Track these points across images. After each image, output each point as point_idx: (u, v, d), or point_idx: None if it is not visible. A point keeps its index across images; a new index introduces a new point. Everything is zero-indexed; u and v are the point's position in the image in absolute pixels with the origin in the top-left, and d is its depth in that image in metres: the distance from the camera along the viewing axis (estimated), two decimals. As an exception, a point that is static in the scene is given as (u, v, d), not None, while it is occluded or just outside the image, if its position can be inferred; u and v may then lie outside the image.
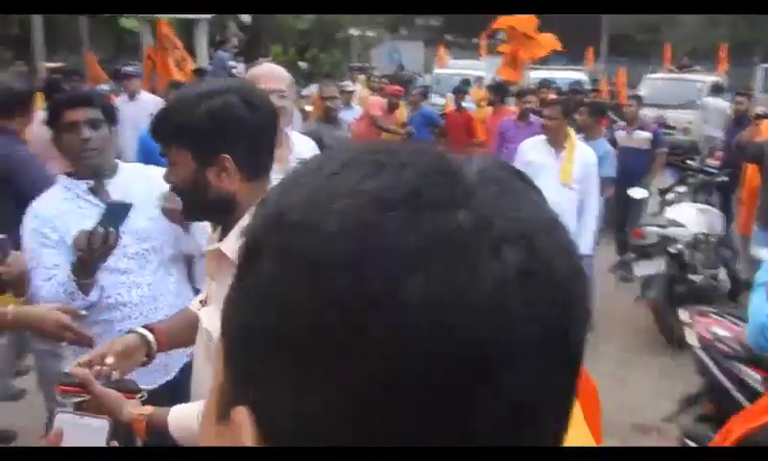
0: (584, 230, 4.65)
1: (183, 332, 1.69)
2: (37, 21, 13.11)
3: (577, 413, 0.86)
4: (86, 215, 2.10)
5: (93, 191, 2.21)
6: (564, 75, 15.09)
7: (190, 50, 10.60)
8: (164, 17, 9.31)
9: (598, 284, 5.48)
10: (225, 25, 16.19)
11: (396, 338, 0.33)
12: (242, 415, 0.37)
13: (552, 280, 0.36)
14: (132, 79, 6.75)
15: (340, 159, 0.39)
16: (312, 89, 9.81)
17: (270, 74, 2.57)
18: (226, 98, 1.44)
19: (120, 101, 6.18)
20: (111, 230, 1.90)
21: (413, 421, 0.34)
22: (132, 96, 6.50)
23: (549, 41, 8.67)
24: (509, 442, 0.35)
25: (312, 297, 0.34)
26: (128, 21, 14.91)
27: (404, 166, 0.37)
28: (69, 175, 2.24)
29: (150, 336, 1.59)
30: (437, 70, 17.13)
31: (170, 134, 1.47)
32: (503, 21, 8.60)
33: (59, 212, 2.14)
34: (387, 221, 0.34)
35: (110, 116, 2.27)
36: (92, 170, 2.21)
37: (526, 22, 8.29)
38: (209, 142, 1.42)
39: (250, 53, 12.76)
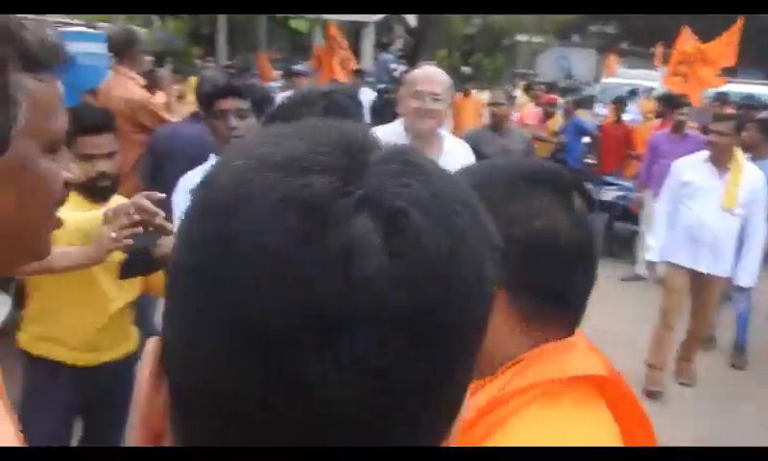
0: (746, 259, 4.21)
1: None
2: (222, 23, 14.43)
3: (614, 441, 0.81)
4: None
5: None
6: (751, 89, 13.72)
7: (356, 52, 11.04)
8: (333, 20, 9.80)
9: (756, 319, 4.96)
10: (391, 28, 16.66)
11: (243, 285, 0.35)
12: (151, 344, 0.42)
13: (420, 257, 0.36)
14: (301, 77, 7.22)
15: (277, 132, 0.42)
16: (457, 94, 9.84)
17: (426, 77, 2.67)
18: (334, 95, 1.52)
19: (284, 97, 6.62)
20: None
21: (253, 366, 0.35)
22: None
23: (715, 79, 7.77)
24: (360, 412, 0.36)
25: (191, 237, 0.38)
26: (297, 22, 15.88)
27: (304, 139, 0.39)
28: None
29: None
30: (604, 79, 16.35)
31: None
32: (682, 43, 7.89)
33: None
34: (260, 178, 0.37)
35: (261, 108, 2.45)
36: None
37: (705, 51, 7.56)
38: None
39: (414, 56, 13.06)
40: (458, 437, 0.78)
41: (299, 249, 0.35)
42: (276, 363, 0.35)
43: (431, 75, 2.71)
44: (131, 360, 2.43)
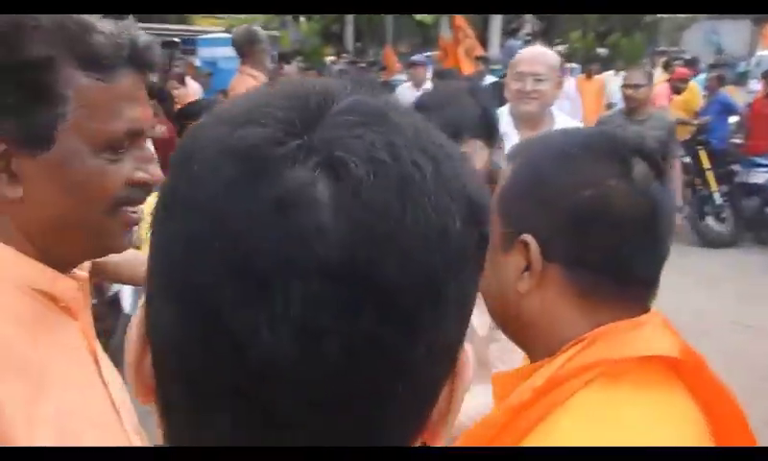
0: None
1: None
2: (349, 20, 14.82)
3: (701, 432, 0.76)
4: None
5: None
6: None
7: (483, 39, 10.87)
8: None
9: None
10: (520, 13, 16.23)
11: (181, 239, 0.35)
12: (142, 304, 0.41)
13: (360, 210, 0.33)
14: (418, 67, 7.23)
15: (253, 90, 0.42)
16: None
17: (528, 57, 2.63)
18: (476, 90, 1.55)
19: (404, 88, 6.69)
20: None
21: (191, 325, 0.35)
22: (417, 84, 6.94)
23: None
24: (320, 386, 0.34)
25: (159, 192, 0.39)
26: (422, 15, 15.90)
27: (266, 94, 0.39)
28: None
29: None
30: (760, 52, 14.87)
31: (466, 128, 1.45)
32: None
33: None
34: (208, 132, 0.37)
35: None
36: None
37: None
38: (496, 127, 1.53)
39: (543, 40, 12.61)
40: (513, 419, 0.76)
41: (231, 199, 0.34)
42: (211, 322, 0.34)
43: (534, 55, 2.66)
44: None
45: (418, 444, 0.41)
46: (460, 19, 9.48)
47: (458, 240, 0.37)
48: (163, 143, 3.44)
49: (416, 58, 7.62)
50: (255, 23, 5.53)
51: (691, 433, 0.75)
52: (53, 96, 0.74)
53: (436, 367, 0.38)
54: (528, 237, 0.79)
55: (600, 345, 0.77)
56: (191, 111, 2.43)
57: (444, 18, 12.02)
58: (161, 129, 4.02)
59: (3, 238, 0.78)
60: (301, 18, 15.73)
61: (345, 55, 11.61)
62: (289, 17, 15.37)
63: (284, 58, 6.94)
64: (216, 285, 0.33)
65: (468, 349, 0.41)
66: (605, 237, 0.78)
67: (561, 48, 10.10)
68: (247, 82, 3.77)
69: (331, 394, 0.34)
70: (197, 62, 8.42)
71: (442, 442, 0.43)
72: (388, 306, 0.34)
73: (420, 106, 1.53)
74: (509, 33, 12.97)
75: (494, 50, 12.09)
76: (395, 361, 0.35)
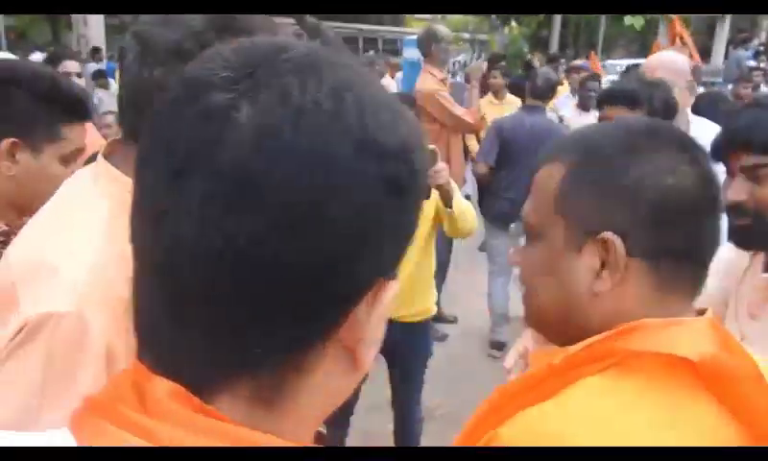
0: None
1: None
2: (556, 24, 14.49)
3: None
4: None
5: None
6: None
7: (707, 48, 10.02)
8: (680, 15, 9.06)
9: None
10: (755, 22, 14.52)
11: (145, 138, 0.46)
12: None
13: (257, 128, 0.41)
14: (580, 71, 7.07)
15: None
16: None
17: (653, 64, 2.60)
18: None
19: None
20: None
21: (138, 215, 0.46)
22: (574, 89, 6.78)
23: None
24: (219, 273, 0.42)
25: None
26: (632, 19, 14.94)
27: (238, 44, 0.48)
28: None
29: None
30: None
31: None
32: None
33: None
34: (187, 68, 0.47)
35: (669, 112, 2.13)
36: None
37: None
38: None
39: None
40: (525, 390, 0.80)
41: (170, 112, 0.44)
42: (143, 203, 0.45)
43: (660, 61, 2.58)
44: (426, 321, 2.68)
45: (344, 362, 0.48)
46: (678, 25, 8.82)
47: (347, 169, 0.42)
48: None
49: (576, 63, 7.44)
50: (468, 26, 5.68)
51: (692, 439, 0.72)
52: None
53: (329, 279, 0.43)
54: (608, 234, 0.76)
55: (629, 337, 0.75)
56: None
57: (663, 24, 11.26)
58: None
59: None
60: (513, 22, 15.68)
61: (562, 61, 11.32)
62: (499, 22, 15.40)
63: (492, 61, 7.09)
64: (148, 174, 0.44)
65: (396, 286, 0.48)
66: (688, 224, 0.78)
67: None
68: (427, 79, 3.94)
69: (222, 280, 0.42)
70: (400, 61, 8.95)
71: (368, 364, 0.49)
72: (268, 211, 0.41)
73: (757, 104, 1.37)
74: (738, 43, 11.73)
75: (718, 60, 11.03)
76: (276, 261, 0.42)
